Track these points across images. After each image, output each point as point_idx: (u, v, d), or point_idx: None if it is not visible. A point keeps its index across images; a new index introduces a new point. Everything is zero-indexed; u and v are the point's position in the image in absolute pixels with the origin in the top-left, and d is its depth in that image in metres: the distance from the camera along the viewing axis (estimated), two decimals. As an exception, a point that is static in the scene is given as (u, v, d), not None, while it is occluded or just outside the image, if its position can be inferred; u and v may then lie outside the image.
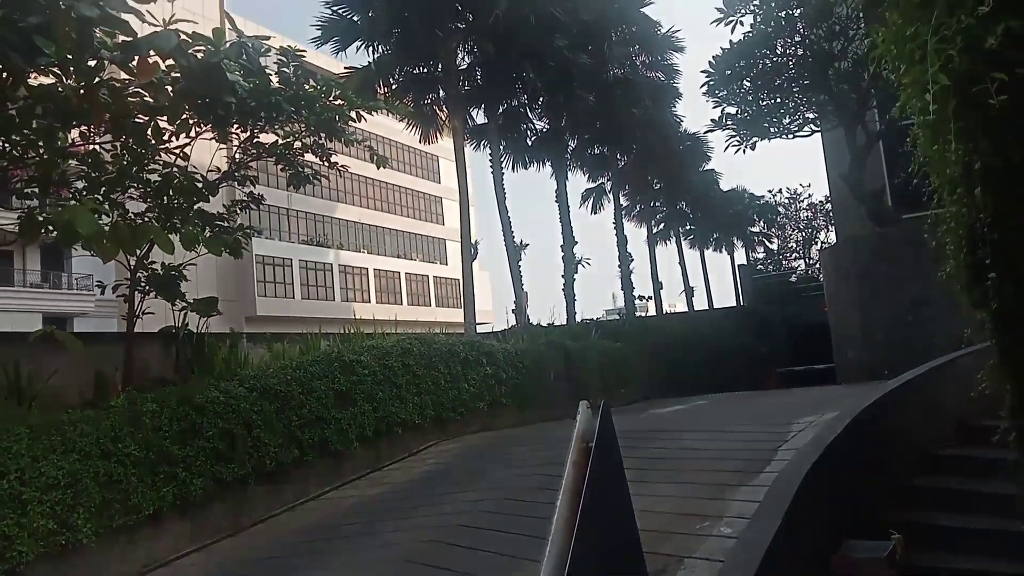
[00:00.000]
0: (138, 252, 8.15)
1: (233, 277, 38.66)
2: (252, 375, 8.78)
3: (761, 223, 44.96)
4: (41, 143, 7.43)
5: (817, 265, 37.17)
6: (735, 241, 43.74)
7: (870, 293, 16.58)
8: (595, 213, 30.14)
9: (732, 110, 18.84)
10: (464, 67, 19.11)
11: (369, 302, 50.27)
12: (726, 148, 18.75)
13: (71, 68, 6.43)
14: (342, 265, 49.37)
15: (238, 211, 9.31)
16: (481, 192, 51.36)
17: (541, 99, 21.18)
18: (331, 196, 48.10)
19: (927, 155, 3.46)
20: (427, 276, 57.12)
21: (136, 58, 6.05)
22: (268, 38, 6.74)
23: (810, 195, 46.24)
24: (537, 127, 23.02)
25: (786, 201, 46.23)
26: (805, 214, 46.43)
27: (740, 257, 45.18)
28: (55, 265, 34.47)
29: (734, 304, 39.25)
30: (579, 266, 22.44)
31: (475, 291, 17.74)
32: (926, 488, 6.54)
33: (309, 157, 9.57)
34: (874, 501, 6.20)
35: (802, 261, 46.60)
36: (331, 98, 8.37)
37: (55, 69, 6.43)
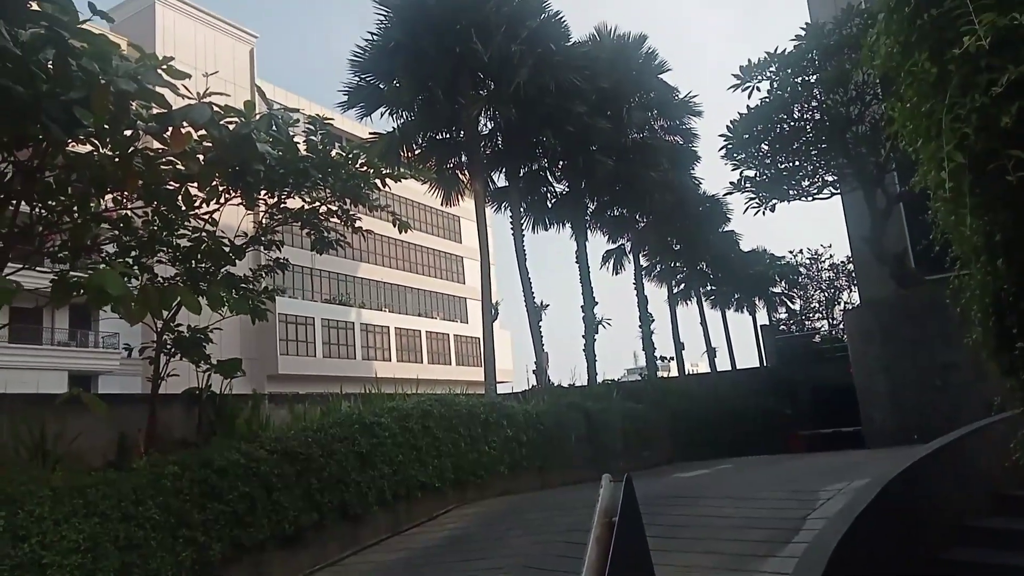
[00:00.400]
0: (165, 314, 8.27)
1: (256, 336, 38.98)
2: (273, 437, 8.79)
3: (782, 284, 44.71)
4: (76, 209, 7.67)
5: (841, 326, 36.73)
6: (757, 302, 43.47)
7: (896, 356, 16.34)
8: (616, 274, 30.20)
9: (751, 173, 19.02)
10: (486, 132, 19.57)
11: (390, 360, 50.39)
12: (745, 210, 18.86)
13: (107, 138, 6.67)
14: (364, 324, 49.72)
15: (263, 275, 9.47)
16: (502, 252, 51.88)
17: (561, 162, 21.56)
18: (354, 256, 48.71)
19: (946, 225, 3.48)
20: (448, 335, 57.28)
21: (170, 129, 6.27)
22: (297, 110, 6.98)
23: (831, 256, 46.01)
24: (557, 189, 23.38)
25: (807, 262, 46.00)
26: (827, 275, 46.11)
27: (762, 317, 44.85)
28: (82, 324, 35.02)
29: (757, 365, 38.77)
30: (599, 327, 22.37)
31: (495, 350, 17.75)
32: (960, 561, 6.33)
33: (334, 221, 9.76)
34: (906, 574, 6.00)
35: (825, 322, 46.08)
36: (357, 165, 8.57)
37: (92, 139, 6.67)
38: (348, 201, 9.30)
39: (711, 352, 34.97)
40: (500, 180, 21.88)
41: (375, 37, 17.18)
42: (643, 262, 29.88)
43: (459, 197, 20.98)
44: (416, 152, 18.83)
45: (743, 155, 18.95)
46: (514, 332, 67.77)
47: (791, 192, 18.74)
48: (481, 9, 16.65)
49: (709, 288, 39.01)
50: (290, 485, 8.34)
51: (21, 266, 7.41)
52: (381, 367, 47.77)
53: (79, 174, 7.30)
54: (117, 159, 7.00)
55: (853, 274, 32.67)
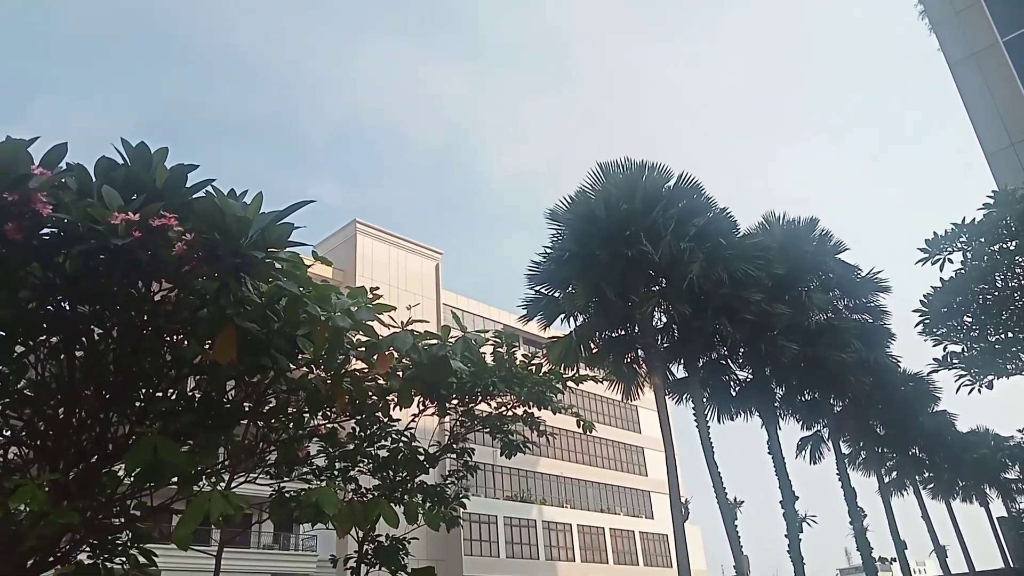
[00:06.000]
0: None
1: (441, 536, 38.94)
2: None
3: (1016, 468, 38.85)
4: (291, 425, 8.49)
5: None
6: (988, 490, 37.90)
7: None
8: (814, 463, 27.90)
9: (957, 348, 17.58)
10: (660, 326, 19.71)
11: (574, 560, 48.31)
12: (957, 389, 17.20)
13: (322, 364, 7.50)
14: (546, 521, 48.54)
15: (454, 481, 9.79)
16: (685, 441, 49.85)
17: (742, 350, 21.05)
18: (533, 451, 48.71)
19: None
20: (633, 532, 54.35)
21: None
22: (488, 330, 7.57)
23: (1071, 431, 39.76)
24: (740, 377, 22.62)
25: (1042, 440, 40.00)
26: (1070, 454, 39.65)
27: (998, 508, 38.82)
28: (286, 527, 36.99)
29: (1001, 567, 33.12)
30: (804, 524, 20.37)
31: (688, 550, 16.62)
32: None
33: (519, 424, 10.07)
34: None
35: (1079, 511, 39.03)
36: (539, 372, 8.95)
37: (309, 364, 7.51)
38: (532, 404, 9.62)
39: (940, 551, 30.40)
40: (679, 371, 21.62)
41: (549, 250, 18.48)
42: (844, 449, 27.46)
43: (639, 391, 20.81)
44: (594, 351, 19.23)
45: (944, 330, 17.66)
46: (704, 527, 63.20)
47: (1009, 367, 16.94)
48: (648, 214, 17.50)
49: (926, 476, 34.76)
50: None
51: (244, 479, 8.21)
52: (565, 568, 45.84)
53: (296, 395, 8.18)
54: (329, 381, 7.82)
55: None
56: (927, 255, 16.89)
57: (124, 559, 7.62)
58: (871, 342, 23.28)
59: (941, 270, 16.69)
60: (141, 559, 7.72)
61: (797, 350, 19.74)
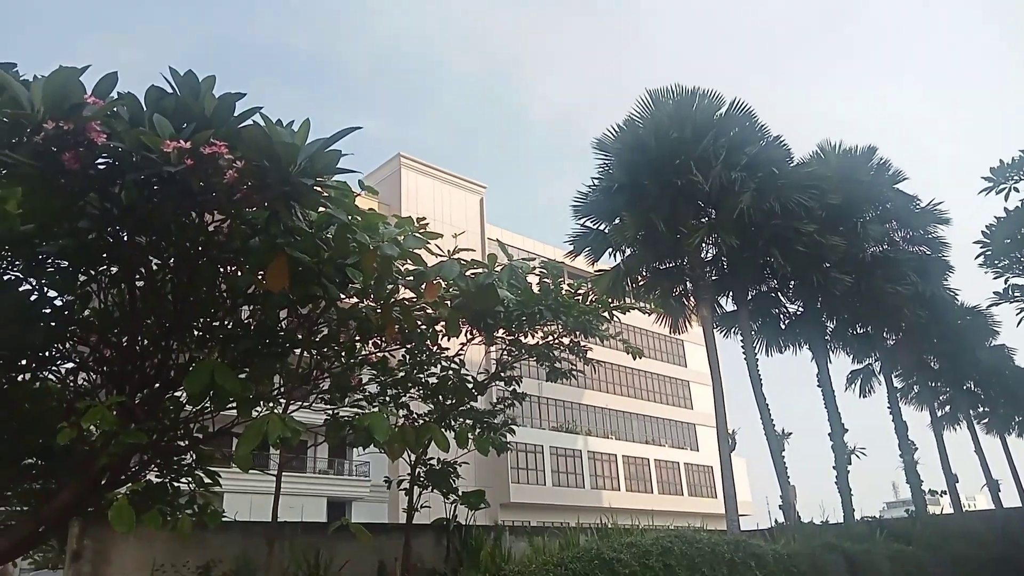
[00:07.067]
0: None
1: (488, 464, 40.14)
2: (516, 570, 8.86)
3: (1075, 402, 37.81)
4: (343, 354, 8.70)
5: None
6: (1044, 425, 37.06)
7: None
8: (864, 396, 27.56)
9: (1019, 280, 17.08)
10: (709, 258, 19.42)
11: (618, 490, 49.27)
12: (1019, 323, 16.73)
13: (372, 293, 7.61)
14: (591, 452, 49.41)
15: (503, 408, 9.97)
16: (731, 375, 49.74)
17: (792, 282, 20.65)
18: (579, 383, 49.28)
19: None
20: (677, 463, 55.03)
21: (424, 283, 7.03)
22: (534, 258, 7.59)
23: None
24: (790, 310, 22.26)
25: (1106, 374, 38.71)
26: None
27: (1055, 443, 38.03)
28: (339, 453, 38.40)
29: (1058, 502, 32.57)
30: (852, 457, 20.31)
31: (734, 482, 16.76)
32: None
33: (565, 353, 10.14)
34: None
35: None
36: (586, 301, 8.94)
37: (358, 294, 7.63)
38: (579, 334, 9.66)
39: (992, 485, 30.04)
40: (728, 304, 21.38)
41: (597, 181, 18.19)
42: (897, 383, 27.04)
43: (687, 324, 20.68)
44: (641, 283, 19.10)
45: (1006, 261, 17.12)
46: (751, 458, 63.54)
47: (1074, 299, 16.41)
48: (699, 143, 17.01)
49: (981, 410, 34.08)
50: (532, 624, 8.29)
51: (299, 405, 8.49)
52: (610, 497, 46.78)
53: (348, 325, 8.36)
54: (379, 310, 7.95)
55: None
56: (991, 184, 16.29)
57: (190, 479, 8.04)
58: (928, 275, 22.59)
59: (1006, 200, 16.12)
60: (206, 479, 8.14)
61: (851, 282, 19.26)
